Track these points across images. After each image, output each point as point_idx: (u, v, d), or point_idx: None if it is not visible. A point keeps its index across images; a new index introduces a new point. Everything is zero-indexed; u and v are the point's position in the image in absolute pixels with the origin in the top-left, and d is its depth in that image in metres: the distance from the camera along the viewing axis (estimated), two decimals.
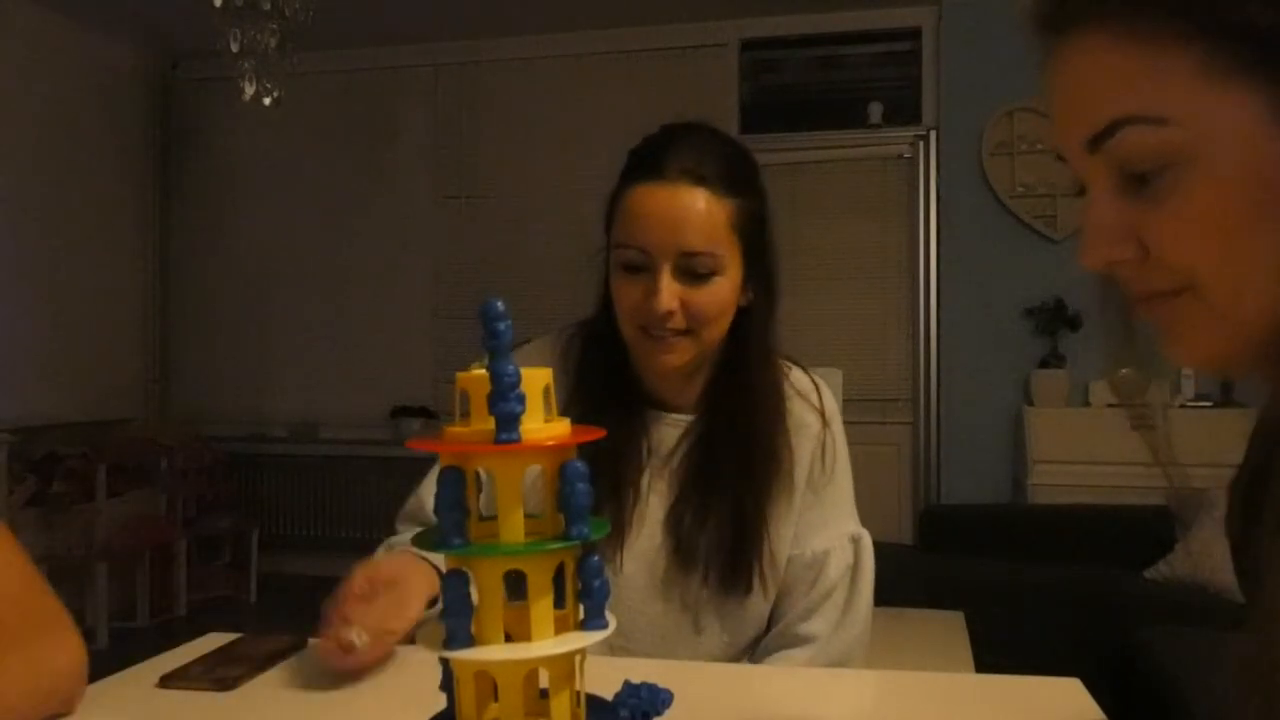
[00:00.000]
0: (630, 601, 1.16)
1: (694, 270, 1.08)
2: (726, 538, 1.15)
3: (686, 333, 1.10)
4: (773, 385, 1.19)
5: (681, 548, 1.15)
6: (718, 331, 1.13)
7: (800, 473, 1.19)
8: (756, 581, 1.15)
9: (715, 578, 1.15)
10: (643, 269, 1.09)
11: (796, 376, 1.23)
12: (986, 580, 3.02)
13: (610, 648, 1.11)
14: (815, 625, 1.16)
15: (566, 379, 1.18)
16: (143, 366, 5.23)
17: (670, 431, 1.19)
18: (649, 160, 1.10)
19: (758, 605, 1.18)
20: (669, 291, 1.07)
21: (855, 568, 1.19)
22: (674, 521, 1.16)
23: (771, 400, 1.18)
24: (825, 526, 1.20)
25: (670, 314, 1.08)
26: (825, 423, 1.21)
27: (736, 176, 1.11)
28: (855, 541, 1.20)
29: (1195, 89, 0.51)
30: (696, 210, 1.07)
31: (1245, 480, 0.60)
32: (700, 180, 1.08)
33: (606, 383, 1.17)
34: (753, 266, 1.13)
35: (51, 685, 0.85)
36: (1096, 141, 0.54)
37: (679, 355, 1.11)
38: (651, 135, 1.15)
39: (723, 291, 1.10)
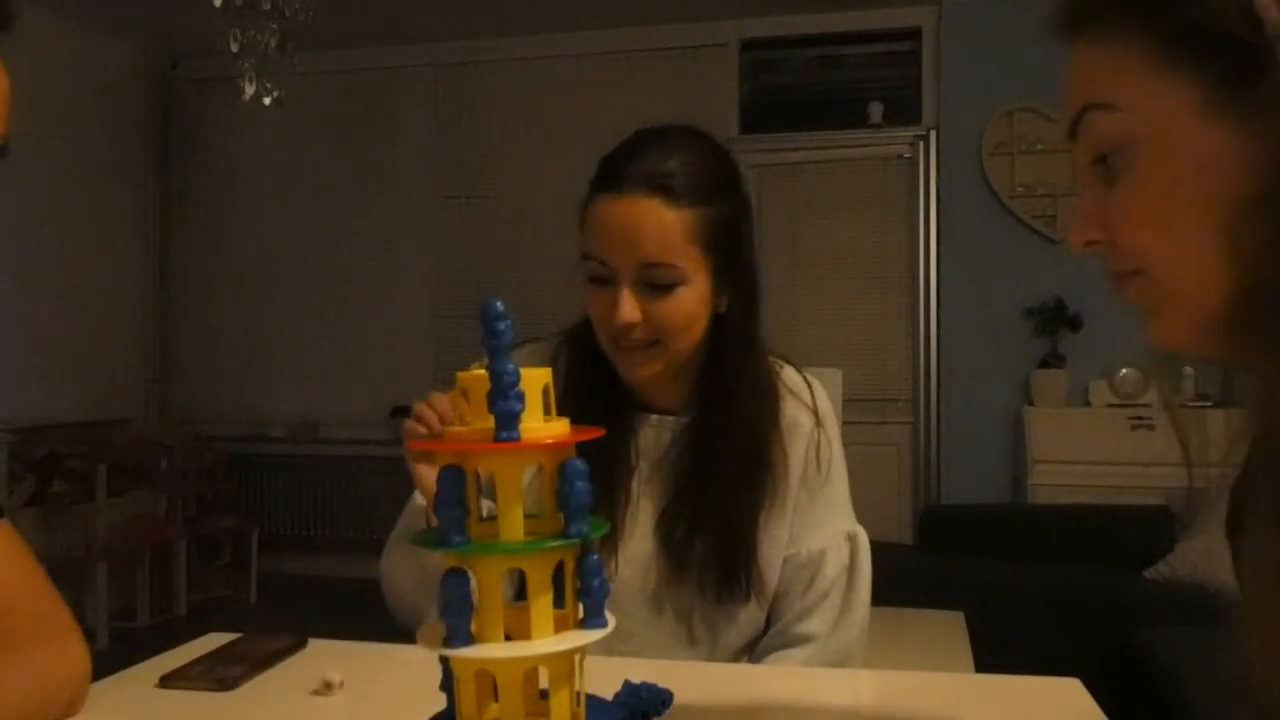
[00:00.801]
0: (625, 606, 1.15)
1: (654, 282, 1.07)
2: (718, 547, 1.14)
3: (654, 344, 1.10)
4: (762, 387, 1.18)
5: (674, 556, 1.15)
6: (687, 341, 1.12)
7: (794, 473, 1.19)
8: (751, 589, 1.15)
9: (710, 589, 1.14)
10: (607, 281, 1.09)
11: (788, 375, 1.23)
12: (986, 580, 3.02)
13: (607, 650, 1.12)
14: (813, 625, 1.16)
15: (556, 385, 1.17)
16: (143, 366, 5.23)
17: (659, 434, 1.18)
18: (611, 170, 1.09)
19: (751, 612, 1.17)
20: (628, 305, 1.07)
21: (852, 566, 1.18)
22: (665, 528, 1.16)
23: (760, 402, 1.17)
24: (821, 526, 1.19)
25: (631, 326, 1.08)
26: (818, 422, 1.21)
27: (702, 183, 1.09)
28: (851, 540, 1.20)
29: (1143, 79, 0.55)
30: (651, 223, 1.06)
31: (1246, 482, 0.60)
32: (660, 190, 1.06)
33: (593, 387, 1.16)
34: (725, 273, 1.12)
35: (55, 691, 0.85)
36: (1072, 130, 0.60)
37: (646, 367, 1.11)
38: (623, 141, 1.13)
39: (686, 302, 1.09)
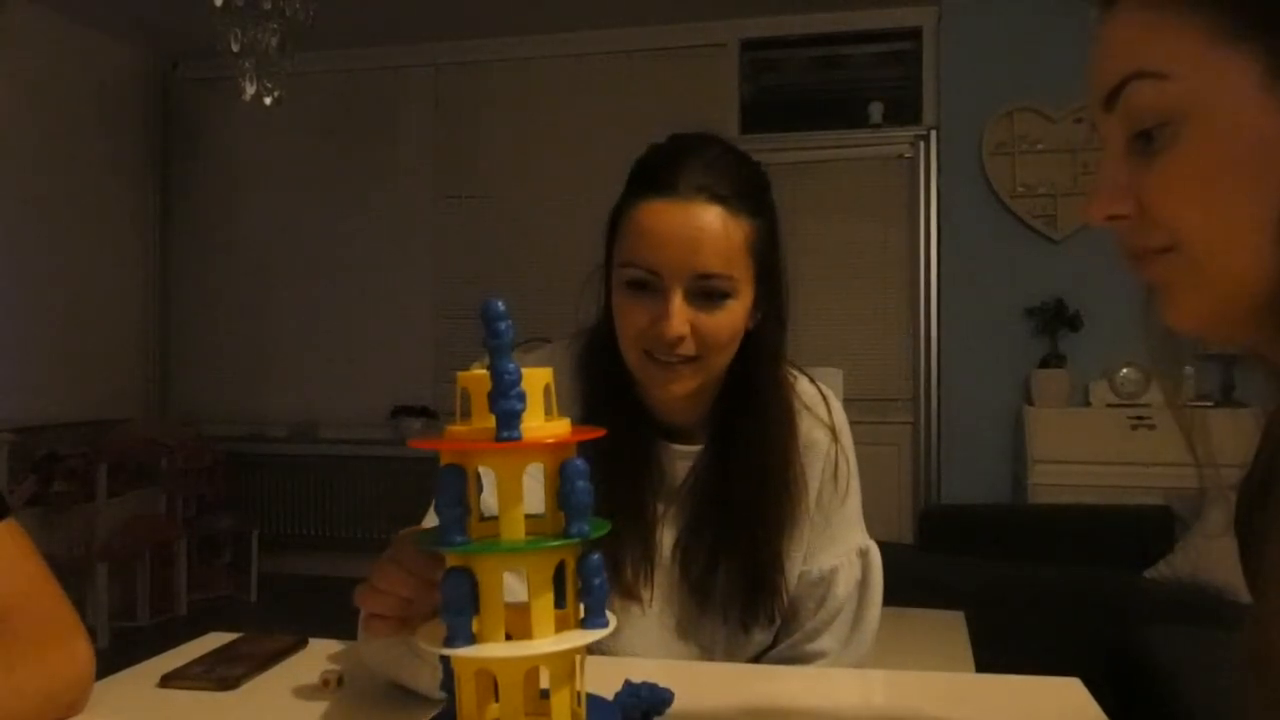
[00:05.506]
0: (653, 640, 1.13)
1: (707, 293, 1.02)
2: (742, 579, 1.11)
3: (694, 359, 1.04)
4: (783, 410, 1.14)
5: (698, 588, 1.12)
6: (725, 358, 1.07)
7: (811, 494, 1.16)
8: (777, 615, 1.14)
9: (735, 618, 1.12)
10: (650, 290, 1.03)
11: (803, 388, 1.19)
12: (986, 580, 3.01)
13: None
14: (824, 643, 1.14)
15: (579, 396, 1.13)
16: (143, 366, 5.23)
17: (680, 464, 1.14)
18: (661, 174, 1.03)
19: (767, 632, 1.16)
20: (680, 315, 1.01)
21: (863, 583, 1.15)
22: (685, 559, 1.13)
23: (783, 428, 1.13)
24: (834, 543, 1.16)
25: (680, 339, 1.02)
26: (834, 437, 1.17)
27: (752, 195, 1.05)
28: (863, 555, 1.17)
29: (1199, 50, 0.53)
30: (714, 230, 1.01)
31: (1255, 479, 0.60)
32: (717, 198, 1.02)
33: (615, 412, 1.08)
34: (763, 289, 1.09)
35: (60, 692, 0.85)
36: (1111, 99, 0.57)
37: (684, 384, 1.05)
38: (659, 146, 1.08)
39: (735, 316, 1.04)
